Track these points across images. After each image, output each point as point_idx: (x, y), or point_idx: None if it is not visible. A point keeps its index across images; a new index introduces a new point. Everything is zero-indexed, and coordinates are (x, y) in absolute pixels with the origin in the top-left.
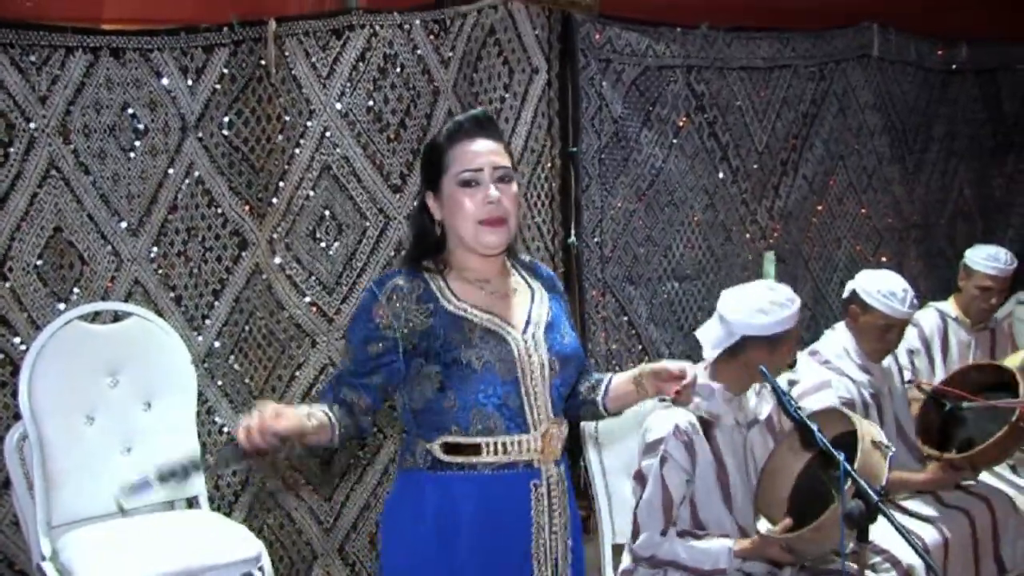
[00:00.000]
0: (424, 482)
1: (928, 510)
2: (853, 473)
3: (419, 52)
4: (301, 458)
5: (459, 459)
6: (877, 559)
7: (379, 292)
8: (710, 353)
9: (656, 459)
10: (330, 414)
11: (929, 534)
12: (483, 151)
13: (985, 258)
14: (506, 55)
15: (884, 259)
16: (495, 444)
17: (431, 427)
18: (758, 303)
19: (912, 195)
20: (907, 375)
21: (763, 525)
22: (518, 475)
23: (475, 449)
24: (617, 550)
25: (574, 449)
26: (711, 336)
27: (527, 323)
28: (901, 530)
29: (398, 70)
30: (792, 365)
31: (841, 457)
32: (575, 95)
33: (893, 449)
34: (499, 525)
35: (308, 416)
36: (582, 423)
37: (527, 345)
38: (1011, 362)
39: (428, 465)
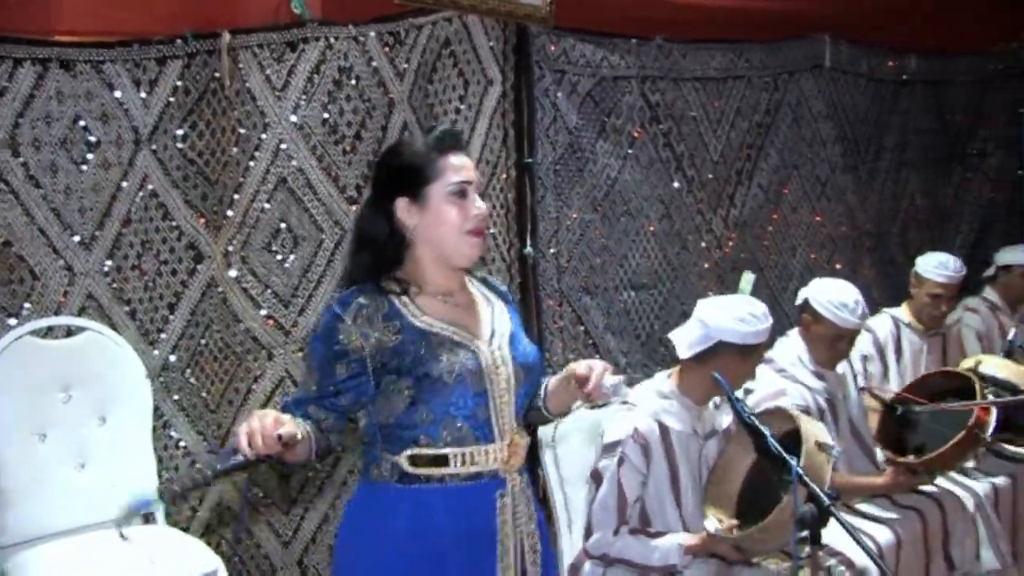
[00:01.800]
0: (395, 496)
1: (882, 511)
2: (806, 479)
3: (374, 64)
4: (275, 469)
5: (427, 471)
6: (832, 561)
7: (343, 312)
8: (683, 353)
9: (614, 460)
10: (308, 428)
11: (883, 535)
12: (468, 166)
13: (935, 266)
14: (461, 67)
15: (838, 267)
16: (463, 455)
17: (399, 440)
18: (739, 312)
19: (865, 203)
20: (861, 380)
21: (711, 524)
22: (485, 485)
23: (443, 460)
24: None
25: (533, 458)
26: (687, 338)
27: (492, 334)
28: (853, 534)
29: (353, 82)
30: None
31: (794, 463)
32: (530, 106)
33: (838, 449)
34: (468, 536)
35: (297, 425)
36: (539, 432)
37: (494, 356)
38: (963, 365)
39: (397, 478)
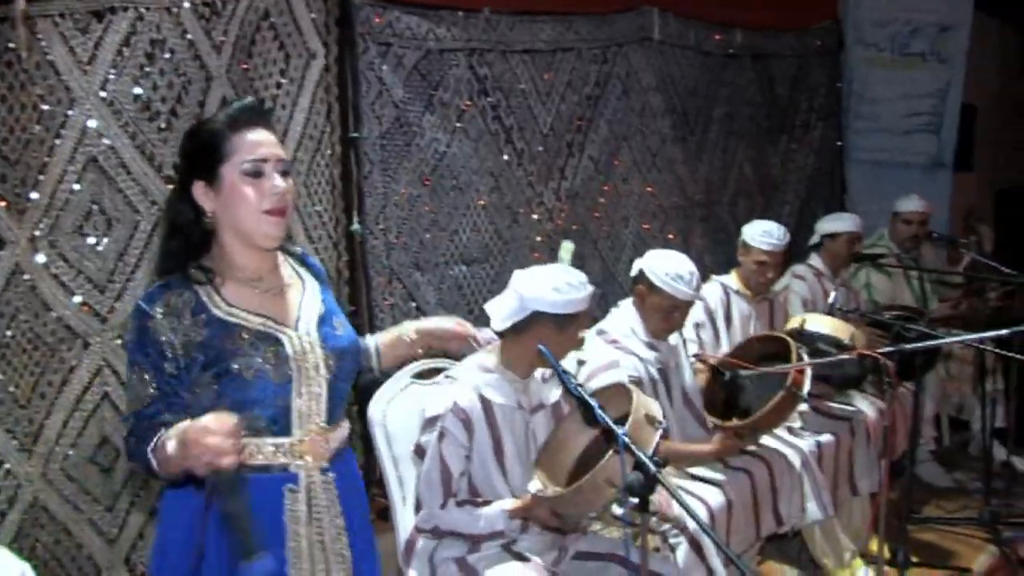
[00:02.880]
0: (188, 487)
1: (713, 473)
2: (632, 446)
3: (189, 37)
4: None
5: None
6: (666, 526)
7: (151, 308)
8: (498, 324)
9: (434, 434)
10: None
11: (714, 497)
12: (267, 142)
13: (761, 234)
14: (282, 40)
15: (670, 236)
16: (254, 445)
17: None
18: (553, 282)
19: (695, 174)
20: (693, 348)
21: (534, 485)
22: (271, 479)
23: None
24: None
25: (367, 440)
26: (502, 309)
27: (299, 319)
28: (678, 498)
29: (167, 56)
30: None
31: (620, 431)
32: (354, 80)
33: (665, 424)
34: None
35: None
36: (369, 412)
37: (302, 343)
38: (789, 324)
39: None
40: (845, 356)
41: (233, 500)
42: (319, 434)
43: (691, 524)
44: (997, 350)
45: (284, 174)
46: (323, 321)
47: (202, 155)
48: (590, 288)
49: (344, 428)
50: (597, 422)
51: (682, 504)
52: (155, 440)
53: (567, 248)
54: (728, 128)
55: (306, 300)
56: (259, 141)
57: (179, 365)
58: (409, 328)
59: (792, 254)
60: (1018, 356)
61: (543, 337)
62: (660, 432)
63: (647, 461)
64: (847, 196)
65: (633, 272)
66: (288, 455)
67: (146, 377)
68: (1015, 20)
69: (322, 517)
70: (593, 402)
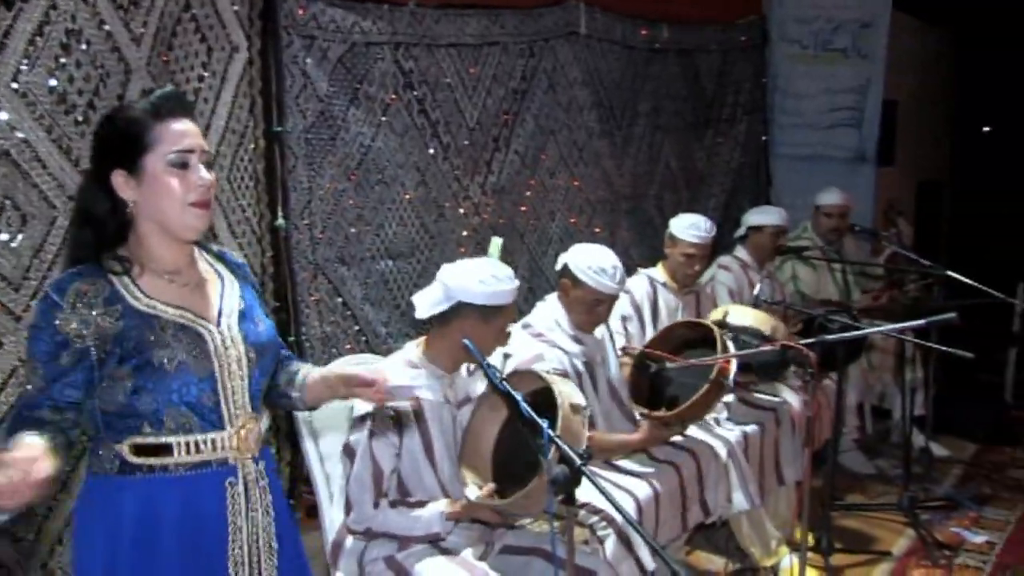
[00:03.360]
0: (118, 487)
1: (640, 466)
2: (558, 441)
3: (107, 28)
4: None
5: (151, 460)
6: (595, 519)
7: (60, 298)
8: (423, 313)
9: (364, 433)
10: (45, 440)
11: (642, 489)
12: (191, 132)
13: (688, 227)
14: (204, 32)
15: (597, 230)
16: (187, 443)
17: (121, 429)
18: (479, 273)
19: (621, 168)
20: (620, 340)
21: (472, 491)
22: (213, 474)
23: (167, 449)
24: None
25: (294, 437)
26: (428, 299)
27: (220, 314)
28: (605, 493)
29: (84, 47)
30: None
31: (546, 426)
32: (278, 73)
33: (589, 409)
34: (198, 528)
35: (43, 447)
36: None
37: (223, 338)
38: (712, 316)
39: (118, 469)
40: (768, 347)
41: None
42: (251, 424)
43: (619, 516)
44: (916, 340)
45: (208, 166)
46: (244, 316)
47: (123, 144)
48: (515, 282)
49: (265, 420)
50: (524, 418)
51: (607, 497)
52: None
53: (496, 244)
54: (654, 122)
55: (226, 295)
56: (184, 131)
57: (83, 360)
58: (332, 372)
59: (718, 247)
60: (935, 346)
61: (467, 329)
62: (587, 418)
63: (572, 455)
64: (772, 190)
65: (558, 266)
66: (225, 448)
67: (38, 369)
68: (932, 19)
69: (255, 507)
70: (518, 396)
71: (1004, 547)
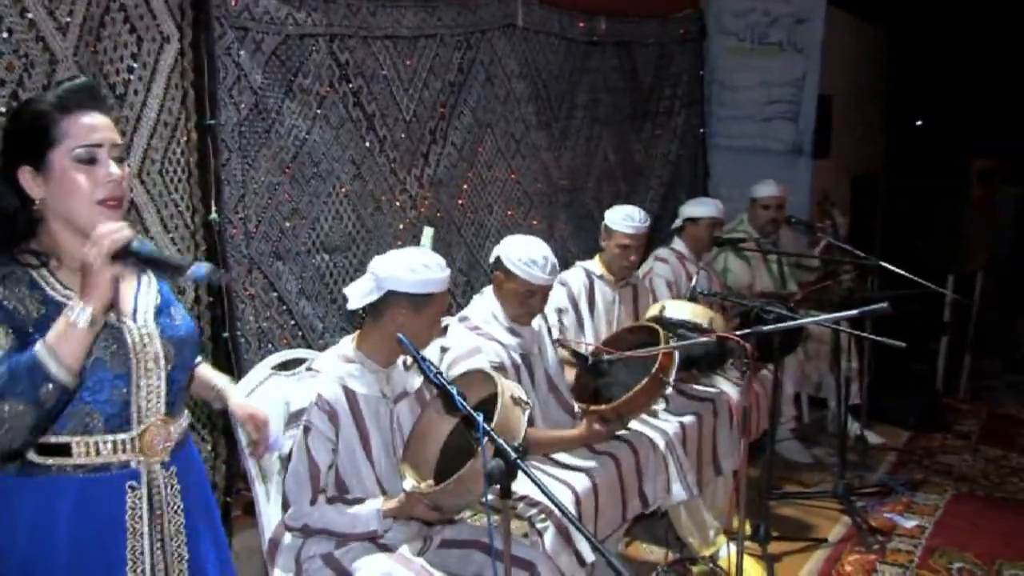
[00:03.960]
0: (14, 488)
1: (579, 459)
2: (491, 433)
3: (30, 16)
4: None
5: (50, 460)
6: (533, 511)
7: None
8: (354, 304)
9: (300, 429)
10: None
11: (580, 482)
12: (101, 126)
13: (622, 218)
14: (133, 22)
15: (535, 223)
16: (88, 444)
17: None
18: (408, 262)
19: (559, 160)
20: (556, 333)
21: (408, 484)
22: (112, 477)
23: (67, 449)
24: None
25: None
26: (358, 290)
27: (135, 310)
28: (539, 485)
29: (5, 35)
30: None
31: (480, 418)
32: (211, 65)
33: (531, 404)
34: (95, 533)
35: None
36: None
37: (140, 333)
38: (650, 312)
39: (16, 470)
40: (704, 339)
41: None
42: (160, 427)
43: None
44: (850, 330)
45: (119, 160)
46: (160, 311)
47: (28, 138)
48: (446, 271)
49: (184, 419)
50: (457, 410)
51: (542, 490)
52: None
53: (427, 234)
54: (592, 115)
55: (141, 291)
56: (93, 125)
57: (17, 331)
58: (223, 391)
59: (656, 239)
60: (869, 335)
61: (400, 320)
62: (528, 412)
63: (507, 448)
64: (710, 181)
65: (491, 259)
66: (128, 451)
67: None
68: (866, 15)
69: (163, 515)
70: (452, 389)
71: (933, 531)
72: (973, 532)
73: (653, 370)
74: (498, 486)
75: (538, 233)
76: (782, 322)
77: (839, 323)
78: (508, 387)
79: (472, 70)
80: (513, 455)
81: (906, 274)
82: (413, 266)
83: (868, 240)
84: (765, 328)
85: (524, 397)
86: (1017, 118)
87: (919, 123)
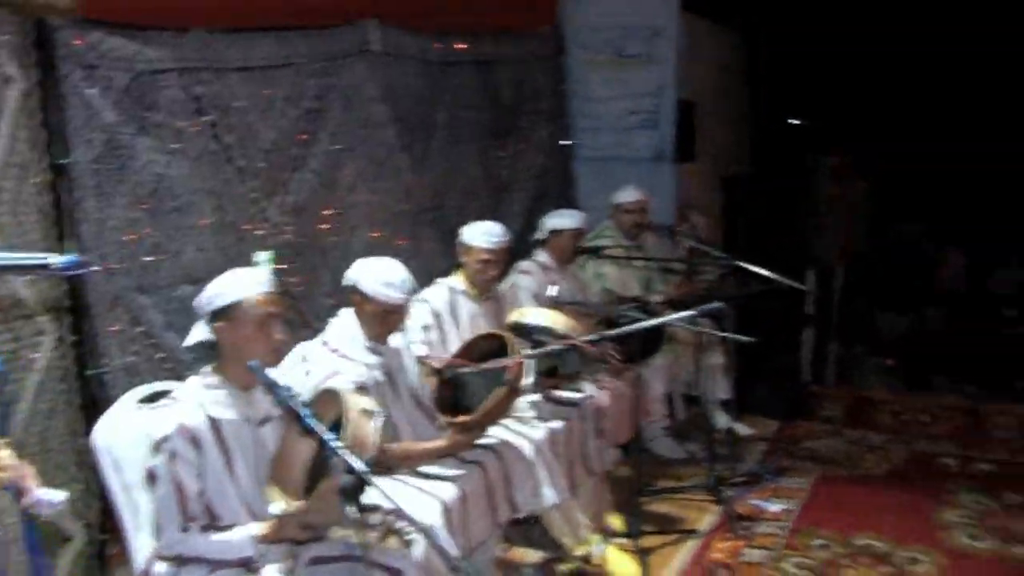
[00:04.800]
0: None
1: (445, 469)
2: (337, 451)
3: None
4: None
5: None
6: (403, 523)
7: None
8: (190, 340)
9: (164, 456)
10: None
11: (447, 491)
12: None
13: (481, 234)
14: None
15: (400, 242)
16: None
17: None
18: (220, 281)
19: (422, 180)
20: (424, 350)
21: (275, 506)
22: None
23: None
24: None
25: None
26: (193, 332)
27: None
28: (386, 494)
29: None
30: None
31: (327, 435)
32: (59, 104)
33: (384, 413)
34: None
35: None
36: (92, 437)
37: None
38: (509, 318)
39: None
40: (559, 346)
41: None
42: None
43: (423, 519)
44: (701, 328)
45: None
46: None
47: None
48: (261, 288)
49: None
50: (309, 430)
51: (393, 503)
52: None
53: (260, 257)
54: (454, 133)
55: None
56: None
57: None
58: None
59: (522, 251)
60: (721, 333)
61: (224, 337)
62: (380, 421)
63: (351, 463)
64: (576, 192)
65: (345, 282)
66: None
67: None
68: (724, 21)
69: None
70: (301, 410)
71: (800, 513)
72: (835, 510)
73: (505, 378)
74: (350, 500)
75: (405, 252)
76: (633, 324)
77: (696, 323)
78: (354, 402)
79: (329, 97)
80: (359, 468)
81: (763, 271)
82: (212, 285)
83: (735, 240)
84: (612, 332)
85: (373, 408)
86: (868, 115)
87: (788, 122)
